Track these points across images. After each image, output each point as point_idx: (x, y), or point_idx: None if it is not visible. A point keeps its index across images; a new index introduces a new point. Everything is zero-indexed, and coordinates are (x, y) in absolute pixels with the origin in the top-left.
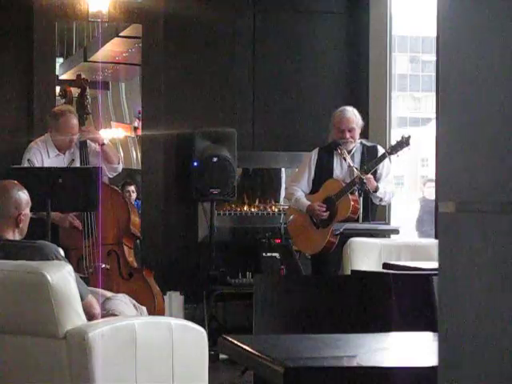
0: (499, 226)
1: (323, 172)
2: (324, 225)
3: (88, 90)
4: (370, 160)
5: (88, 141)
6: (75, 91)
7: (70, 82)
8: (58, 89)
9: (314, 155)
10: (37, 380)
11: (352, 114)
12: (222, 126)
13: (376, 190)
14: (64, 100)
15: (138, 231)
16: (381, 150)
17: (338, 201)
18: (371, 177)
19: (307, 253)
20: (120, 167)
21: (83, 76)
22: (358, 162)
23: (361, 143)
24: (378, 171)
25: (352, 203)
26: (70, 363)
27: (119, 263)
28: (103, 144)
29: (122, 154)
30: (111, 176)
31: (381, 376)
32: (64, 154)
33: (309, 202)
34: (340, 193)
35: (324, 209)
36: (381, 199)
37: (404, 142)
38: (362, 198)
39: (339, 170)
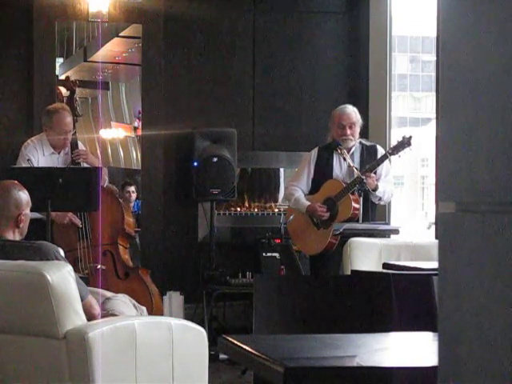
0: (499, 226)
1: (323, 171)
2: (325, 225)
3: (77, 92)
4: (370, 159)
5: (79, 142)
6: (66, 93)
7: (59, 83)
8: None
9: (313, 154)
10: (37, 380)
11: (352, 111)
12: (222, 126)
13: (375, 188)
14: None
15: (132, 231)
16: (380, 150)
17: (338, 201)
18: (374, 176)
19: (308, 253)
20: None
21: (72, 78)
22: (357, 162)
23: (360, 143)
24: (378, 171)
25: (353, 204)
26: (70, 363)
27: (115, 263)
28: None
29: (122, 154)
30: None
31: (381, 376)
32: (59, 153)
33: (308, 203)
34: (341, 193)
35: (325, 209)
36: (380, 198)
37: (405, 143)
38: (362, 198)
39: (339, 169)
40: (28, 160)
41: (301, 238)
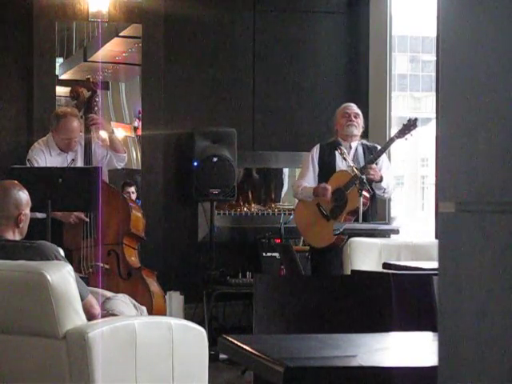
0: (499, 225)
1: (327, 165)
2: (334, 216)
3: (99, 92)
4: (369, 160)
5: (92, 143)
6: (87, 93)
7: (80, 83)
8: (67, 90)
9: (315, 150)
10: (37, 380)
11: (356, 106)
12: (222, 126)
13: (381, 180)
14: (75, 101)
15: (141, 232)
16: None
17: (347, 191)
18: (375, 166)
19: (317, 245)
20: (126, 157)
21: (92, 79)
22: (357, 162)
23: (361, 143)
24: (378, 166)
25: (363, 193)
26: (70, 363)
27: (119, 263)
28: (112, 132)
29: None
30: (119, 167)
31: (381, 376)
32: (67, 152)
33: (315, 185)
34: (349, 183)
35: (329, 188)
36: (384, 190)
37: (411, 125)
38: (361, 198)
39: (341, 164)
40: (28, 160)
41: (310, 231)
